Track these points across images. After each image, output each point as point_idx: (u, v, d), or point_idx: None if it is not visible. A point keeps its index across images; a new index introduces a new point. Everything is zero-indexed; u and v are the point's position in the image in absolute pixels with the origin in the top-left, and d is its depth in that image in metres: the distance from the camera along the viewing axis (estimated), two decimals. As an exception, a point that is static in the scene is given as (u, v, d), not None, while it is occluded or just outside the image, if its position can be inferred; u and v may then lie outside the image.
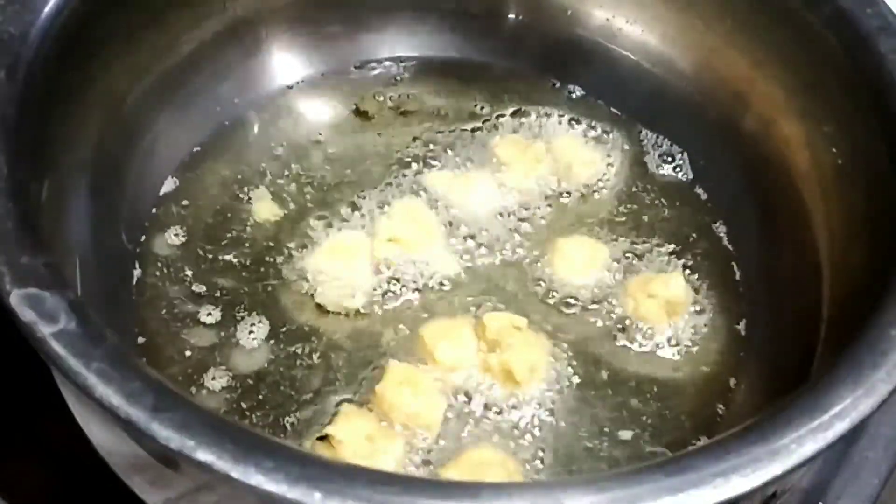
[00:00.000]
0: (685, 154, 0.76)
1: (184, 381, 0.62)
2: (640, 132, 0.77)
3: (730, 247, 0.71)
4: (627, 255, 0.70)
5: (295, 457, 0.43)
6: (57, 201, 0.58)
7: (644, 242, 0.71)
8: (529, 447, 0.60)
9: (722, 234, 0.72)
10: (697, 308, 0.67)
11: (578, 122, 0.77)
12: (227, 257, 0.68)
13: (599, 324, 0.66)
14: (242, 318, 0.65)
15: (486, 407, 0.62)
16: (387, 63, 0.81)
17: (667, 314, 0.66)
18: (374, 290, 0.67)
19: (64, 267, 0.49)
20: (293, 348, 0.64)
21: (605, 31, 0.79)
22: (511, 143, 0.75)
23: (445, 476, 0.57)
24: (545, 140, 0.76)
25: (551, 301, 0.67)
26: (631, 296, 0.67)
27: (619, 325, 0.66)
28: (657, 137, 0.77)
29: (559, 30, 0.80)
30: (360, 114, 0.77)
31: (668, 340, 0.66)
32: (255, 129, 0.76)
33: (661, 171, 0.75)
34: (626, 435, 0.62)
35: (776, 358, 0.63)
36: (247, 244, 0.69)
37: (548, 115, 0.78)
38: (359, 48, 0.80)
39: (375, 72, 0.80)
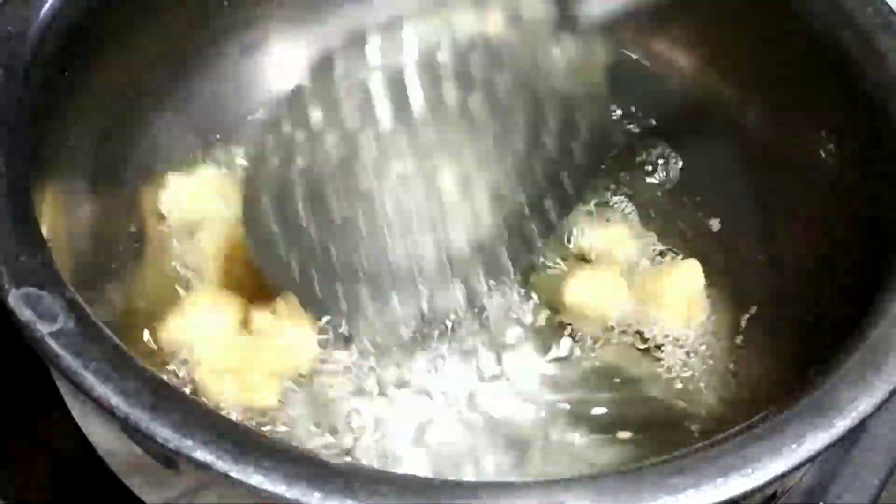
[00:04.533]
0: (685, 153, 0.76)
1: (183, 380, 0.62)
2: (640, 131, 0.77)
3: (729, 246, 0.71)
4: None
5: (295, 457, 0.43)
6: (56, 200, 0.58)
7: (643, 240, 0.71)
8: (529, 447, 0.60)
9: (722, 233, 0.72)
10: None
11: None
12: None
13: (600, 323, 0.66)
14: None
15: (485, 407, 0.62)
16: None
17: (687, 305, 0.65)
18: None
19: (62, 267, 0.49)
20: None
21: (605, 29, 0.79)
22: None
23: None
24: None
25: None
26: (649, 279, 0.66)
27: (620, 324, 0.66)
28: (657, 136, 0.77)
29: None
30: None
31: (669, 340, 0.66)
32: (255, 128, 0.76)
33: (662, 170, 0.75)
34: (625, 435, 0.62)
35: (776, 357, 0.63)
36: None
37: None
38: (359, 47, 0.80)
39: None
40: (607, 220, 0.72)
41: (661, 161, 0.75)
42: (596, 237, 0.70)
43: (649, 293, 0.65)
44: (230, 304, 0.62)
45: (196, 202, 0.68)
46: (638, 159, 0.76)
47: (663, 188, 0.74)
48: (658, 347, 0.65)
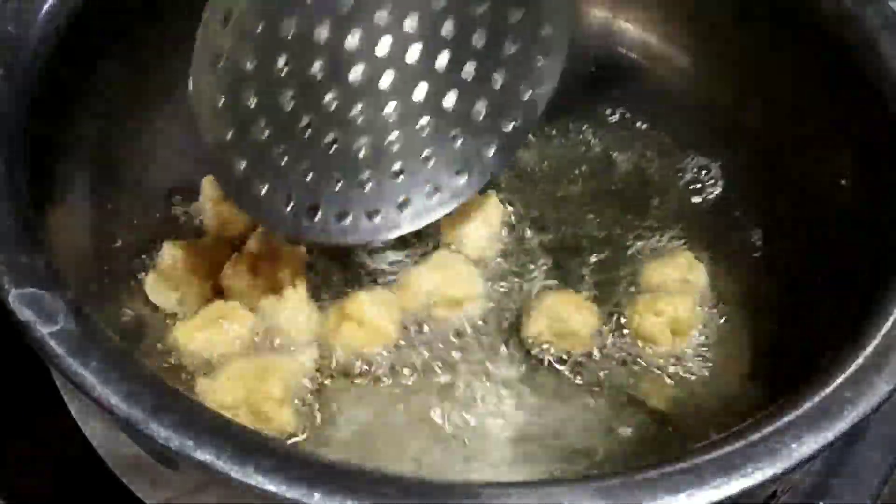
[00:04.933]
0: (685, 152, 0.76)
1: (183, 380, 0.62)
2: (640, 131, 0.77)
3: (731, 245, 0.71)
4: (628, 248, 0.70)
5: (295, 457, 0.43)
6: (56, 201, 0.58)
7: (643, 237, 0.71)
8: (528, 447, 0.60)
9: (724, 233, 0.71)
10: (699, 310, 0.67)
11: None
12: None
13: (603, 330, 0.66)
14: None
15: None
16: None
17: (672, 333, 0.64)
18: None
19: (62, 267, 0.49)
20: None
21: (605, 29, 0.79)
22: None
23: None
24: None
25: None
26: (637, 312, 0.65)
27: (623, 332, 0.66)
28: (657, 136, 0.77)
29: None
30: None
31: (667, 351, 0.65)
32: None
33: (661, 169, 0.75)
34: (625, 433, 0.61)
35: (778, 358, 0.63)
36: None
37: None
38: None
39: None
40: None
41: (660, 159, 0.75)
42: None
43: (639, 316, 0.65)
44: (241, 319, 0.63)
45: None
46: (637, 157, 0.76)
47: (666, 186, 0.74)
48: (659, 349, 0.65)
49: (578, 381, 0.63)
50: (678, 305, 0.64)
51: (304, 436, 0.59)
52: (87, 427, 0.56)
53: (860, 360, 0.48)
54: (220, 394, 0.58)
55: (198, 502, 0.49)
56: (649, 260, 0.69)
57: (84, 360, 0.44)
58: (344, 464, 0.43)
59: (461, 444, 0.60)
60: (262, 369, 0.59)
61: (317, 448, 0.59)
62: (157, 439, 0.42)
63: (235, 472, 0.41)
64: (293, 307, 0.63)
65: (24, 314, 0.45)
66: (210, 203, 0.68)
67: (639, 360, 0.65)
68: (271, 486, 0.41)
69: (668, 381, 0.64)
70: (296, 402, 0.60)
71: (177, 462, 0.45)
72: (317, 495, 0.41)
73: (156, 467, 0.48)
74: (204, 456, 0.42)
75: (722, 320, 0.67)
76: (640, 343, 0.65)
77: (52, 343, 0.45)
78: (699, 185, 0.74)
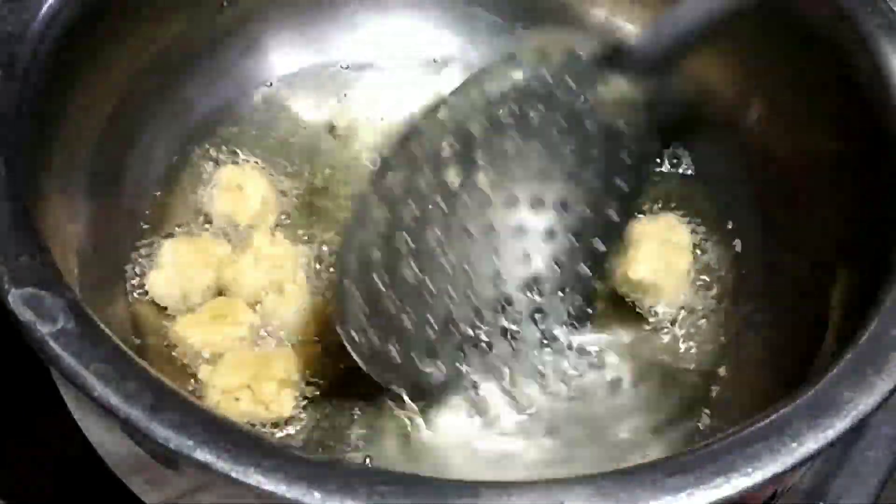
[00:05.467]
0: (685, 151, 0.76)
1: (183, 377, 0.62)
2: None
3: (730, 244, 0.71)
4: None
5: (295, 457, 0.43)
6: (55, 201, 0.58)
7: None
8: (527, 446, 0.60)
9: (723, 232, 0.71)
10: (697, 306, 0.67)
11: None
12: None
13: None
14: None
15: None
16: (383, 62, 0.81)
17: (666, 264, 0.65)
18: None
19: (62, 267, 0.49)
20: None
21: (604, 29, 0.79)
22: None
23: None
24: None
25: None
26: (632, 259, 0.66)
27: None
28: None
29: (557, 28, 0.80)
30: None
31: (669, 336, 0.66)
32: (253, 129, 0.76)
33: (661, 169, 0.75)
34: (625, 433, 0.62)
35: (777, 357, 0.63)
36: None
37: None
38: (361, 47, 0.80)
39: (374, 71, 0.80)
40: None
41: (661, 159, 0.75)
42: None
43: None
44: (242, 315, 0.63)
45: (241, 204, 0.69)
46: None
47: (666, 185, 0.74)
48: (658, 339, 0.65)
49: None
50: (673, 253, 0.65)
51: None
52: (87, 427, 0.56)
53: (860, 360, 0.48)
54: (222, 377, 0.59)
55: (198, 502, 0.49)
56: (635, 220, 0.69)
57: (84, 360, 0.44)
58: (344, 464, 0.43)
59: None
60: (264, 356, 0.61)
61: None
62: (157, 439, 0.42)
63: (235, 472, 0.41)
64: (294, 304, 0.63)
65: (24, 314, 0.45)
66: (221, 191, 0.69)
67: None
68: (271, 486, 0.41)
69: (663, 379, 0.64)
70: (295, 394, 0.60)
71: (177, 462, 0.45)
72: (317, 495, 0.41)
73: (156, 467, 0.48)
74: (204, 456, 0.42)
75: (717, 321, 0.67)
76: (631, 294, 0.65)
77: (52, 343, 0.45)
78: (694, 185, 0.74)
